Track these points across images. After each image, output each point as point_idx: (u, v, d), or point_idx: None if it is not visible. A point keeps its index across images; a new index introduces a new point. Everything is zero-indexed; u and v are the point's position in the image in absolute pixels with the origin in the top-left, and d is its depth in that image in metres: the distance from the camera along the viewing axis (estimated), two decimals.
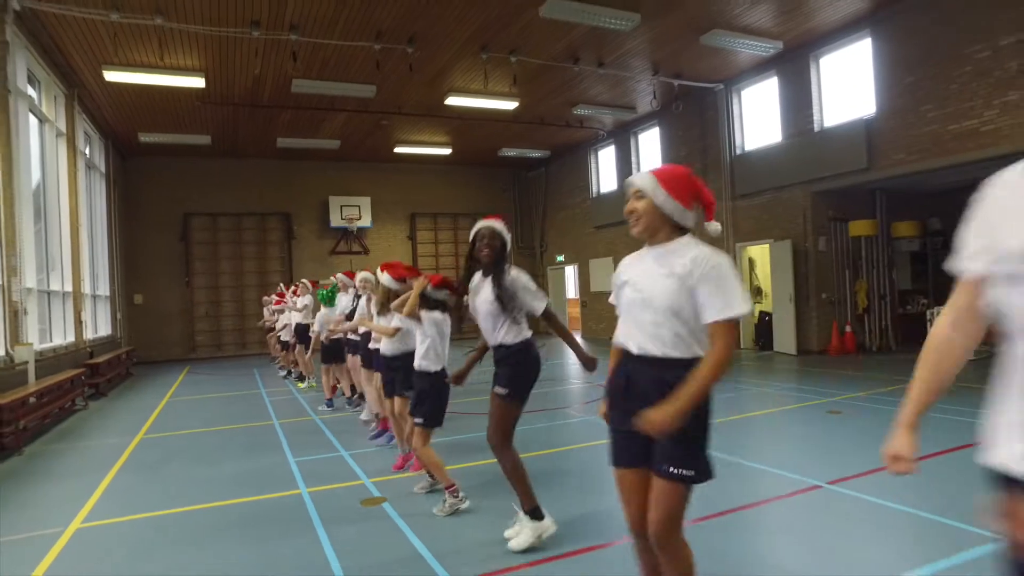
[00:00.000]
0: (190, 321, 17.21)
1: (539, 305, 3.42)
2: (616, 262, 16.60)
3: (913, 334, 11.43)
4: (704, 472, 2.01)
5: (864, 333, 11.70)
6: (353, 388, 8.06)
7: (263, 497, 4.55)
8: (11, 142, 7.95)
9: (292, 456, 5.74)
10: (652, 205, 2.04)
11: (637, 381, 2.08)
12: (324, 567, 3.25)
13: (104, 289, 13.75)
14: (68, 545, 3.80)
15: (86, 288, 11.76)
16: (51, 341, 9.77)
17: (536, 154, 19.01)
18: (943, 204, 11.95)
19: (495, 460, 3.48)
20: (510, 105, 13.38)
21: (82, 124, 12.13)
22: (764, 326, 12.47)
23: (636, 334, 2.07)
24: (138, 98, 11.96)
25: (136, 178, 16.57)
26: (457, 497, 3.99)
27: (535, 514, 3.34)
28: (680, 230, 2.07)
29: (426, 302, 4.18)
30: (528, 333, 3.50)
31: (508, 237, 3.50)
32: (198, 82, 10.85)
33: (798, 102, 11.58)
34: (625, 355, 2.13)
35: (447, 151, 17.88)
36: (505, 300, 3.34)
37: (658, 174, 2.07)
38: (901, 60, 9.79)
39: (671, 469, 1.98)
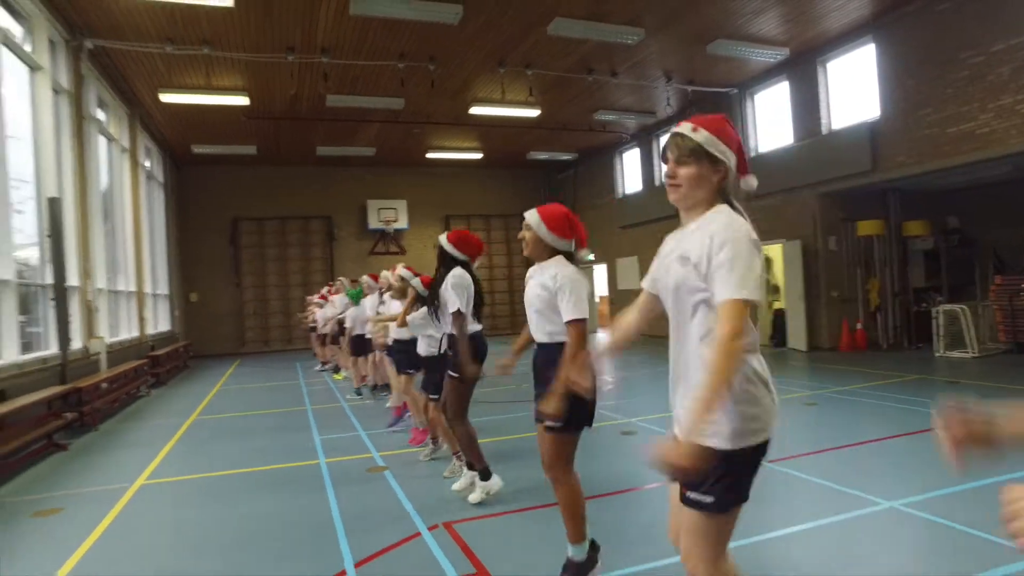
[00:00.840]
0: (240, 319, 18.57)
1: (448, 307, 4.00)
2: (641, 261, 17.21)
3: (928, 331, 11.63)
4: (566, 425, 2.74)
5: (877, 330, 11.97)
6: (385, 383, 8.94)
7: (288, 465, 5.44)
8: (85, 162, 9.14)
9: (318, 434, 6.64)
10: (536, 236, 2.78)
11: (536, 360, 2.90)
12: (327, 514, 4.09)
13: (163, 288, 15.11)
14: (135, 495, 4.76)
15: (148, 288, 13.06)
16: (119, 335, 11.02)
17: (565, 156, 19.70)
18: (960, 202, 12.11)
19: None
20: (532, 113, 14.10)
21: (143, 140, 13.45)
22: (779, 323, 12.86)
23: (532, 326, 2.85)
24: (191, 115, 13.14)
25: (190, 186, 17.99)
26: (462, 460, 4.70)
27: (484, 475, 4.12)
28: (555, 253, 2.81)
29: (419, 300, 5.00)
30: (477, 327, 4.20)
31: (448, 246, 4.10)
32: (243, 100, 11.96)
33: (807, 106, 11.93)
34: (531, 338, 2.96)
35: (478, 155, 18.74)
36: (433, 299, 4.18)
37: (542, 212, 2.81)
38: (902, 65, 10.09)
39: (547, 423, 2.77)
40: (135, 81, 11.12)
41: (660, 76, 12.58)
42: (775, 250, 13.39)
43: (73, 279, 8.66)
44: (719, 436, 1.62)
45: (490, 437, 5.72)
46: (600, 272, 20.53)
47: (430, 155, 18.36)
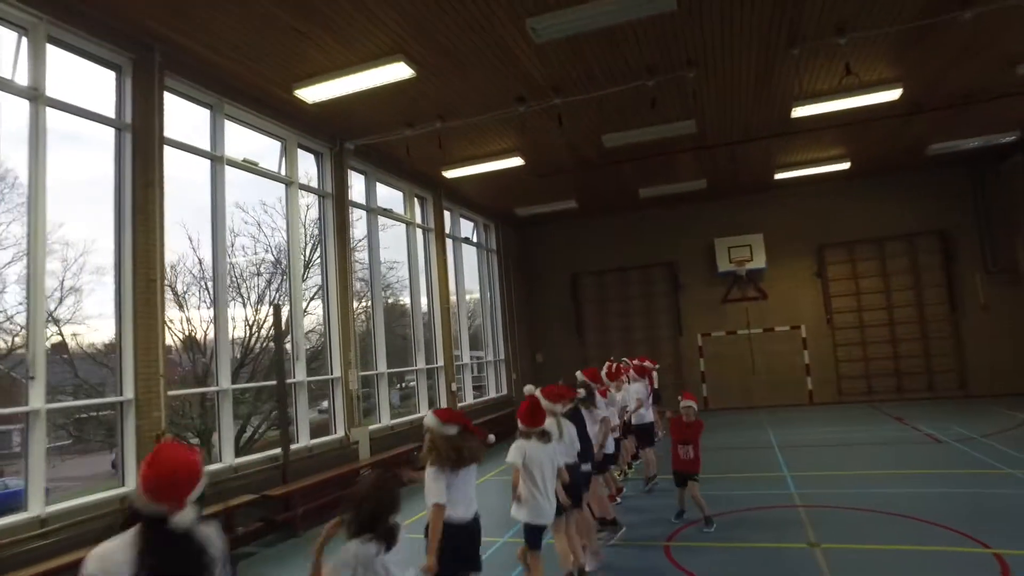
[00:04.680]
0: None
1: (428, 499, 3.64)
2: None
3: None
4: None
5: None
6: None
7: None
8: (347, 255, 9.64)
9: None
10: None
11: None
12: None
13: (494, 354, 15.53)
14: None
15: (465, 359, 13.43)
16: (418, 412, 11.37)
17: (1005, 138, 13.32)
18: None
19: None
20: (891, 95, 9.63)
21: (459, 212, 14.17)
22: None
23: None
24: (486, 183, 12.93)
25: (527, 247, 18.47)
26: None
27: None
28: None
29: None
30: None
31: (437, 427, 3.71)
32: (517, 161, 11.29)
33: None
34: None
35: (845, 165, 14.19)
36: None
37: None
38: None
39: None
40: (418, 164, 11.46)
41: None
42: None
43: (336, 370, 9.10)
44: None
45: None
46: None
47: (779, 175, 14.71)
